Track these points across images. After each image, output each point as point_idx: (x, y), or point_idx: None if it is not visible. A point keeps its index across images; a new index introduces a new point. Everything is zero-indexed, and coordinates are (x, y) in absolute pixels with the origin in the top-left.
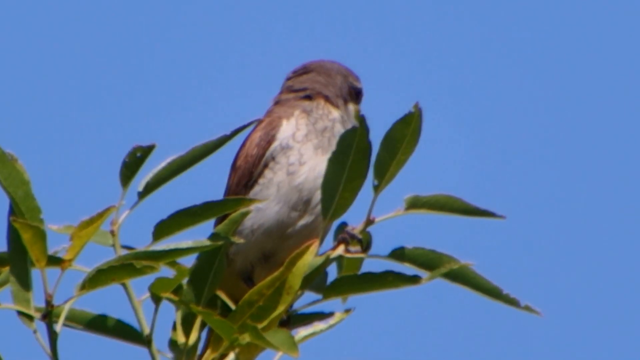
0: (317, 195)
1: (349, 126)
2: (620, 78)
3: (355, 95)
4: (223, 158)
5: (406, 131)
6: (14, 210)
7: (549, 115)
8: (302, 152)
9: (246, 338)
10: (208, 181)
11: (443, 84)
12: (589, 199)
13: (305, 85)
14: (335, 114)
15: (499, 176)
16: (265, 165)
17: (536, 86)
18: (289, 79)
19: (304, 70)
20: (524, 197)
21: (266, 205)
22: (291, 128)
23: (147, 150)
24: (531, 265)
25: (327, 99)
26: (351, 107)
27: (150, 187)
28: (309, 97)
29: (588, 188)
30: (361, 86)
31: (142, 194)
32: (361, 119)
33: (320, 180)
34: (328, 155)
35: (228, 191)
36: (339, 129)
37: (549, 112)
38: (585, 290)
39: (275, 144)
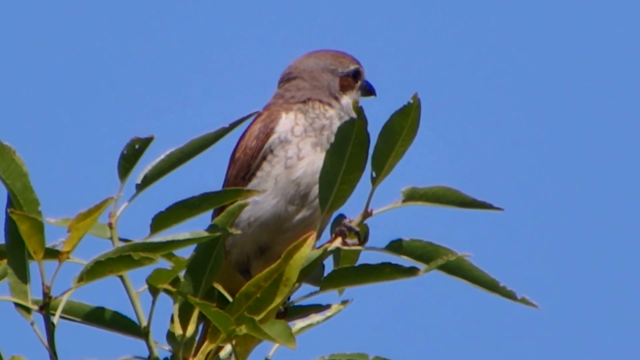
0: (315, 190)
1: (346, 117)
2: (602, 72)
3: (353, 77)
4: (222, 150)
5: (404, 123)
6: (12, 203)
7: (545, 109)
8: (301, 147)
9: (243, 330)
10: (206, 174)
11: (441, 78)
12: (586, 192)
13: (292, 93)
14: (331, 112)
15: (496, 169)
16: (264, 158)
17: (532, 80)
18: (278, 86)
19: (289, 77)
20: (521, 190)
21: (263, 198)
22: (290, 122)
23: (145, 142)
24: (529, 257)
25: (320, 101)
26: (347, 100)
27: (149, 179)
28: (303, 102)
29: (585, 181)
30: (355, 66)
31: (140, 186)
32: (359, 110)
33: (318, 176)
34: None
35: (226, 183)
36: (336, 126)
37: (545, 105)
38: (582, 283)
39: (273, 137)
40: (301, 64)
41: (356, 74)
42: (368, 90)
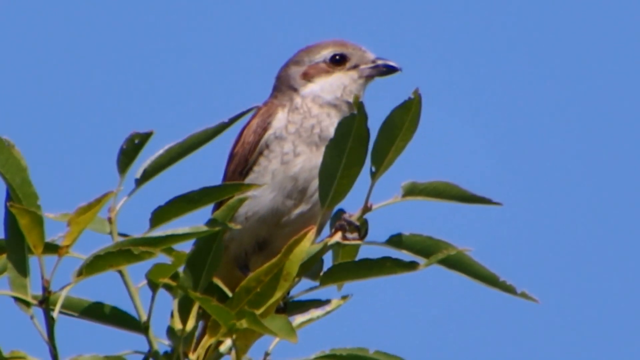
0: (313, 185)
1: (333, 113)
2: (604, 70)
3: (331, 62)
4: (221, 145)
5: (405, 117)
6: (11, 197)
7: (546, 105)
8: (296, 144)
9: (244, 324)
10: (206, 168)
11: (444, 73)
12: (586, 186)
13: (275, 100)
14: (315, 110)
15: (497, 163)
16: (260, 153)
17: (533, 75)
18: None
19: (274, 85)
20: (522, 184)
21: (261, 193)
22: (284, 119)
23: (145, 137)
24: (529, 252)
25: (301, 97)
26: (313, 87)
27: (148, 174)
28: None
29: (585, 176)
30: (328, 51)
31: (139, 181)
32: (360, 105)
33: (316, 171)
34: (322, 150)
35: (225, 178)
36: (326, 124)
37: (546, 101)
38: (583, 277)
39: (269, 132)
40: (278, 71)
41: (335, 59)
42: (383, 70)
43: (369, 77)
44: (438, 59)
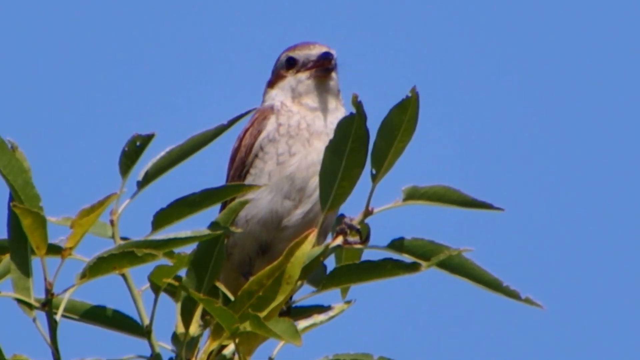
0: (312, 184)
1: (320, 109)
2: (608, 70)
3: (286, 68)
4: (222, 147)
5: (403, 117)
6: (13, 199)
7: (549, 106)
8: (290, 144)
9: (247, 327)
10: (207, 171)
11: (437, 74)
12: (589, 191)
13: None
14: (294, 108)
15: (498, 167)
16: (256, 155)
17: (528, 79)
18: None
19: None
20: (522, 189)
21: (258, 195)
22: (276, 121)
23: (146, 140)
24: (531, 257)
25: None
26: (276, 91)
27: (150, 176)
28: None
29: (588, 180)
30: (284, 56)
31: (141, 184)
32: (358, 105)
33: (312, 169)
34: (315, 145)
35: (227, 181)
36: (310, 118)
37: (549, 102)
38: (587, 283)
39: (263, 135)
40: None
41: (289, 63)
42: (318, 66)
43: (318, 76)
44: (426, 57)
